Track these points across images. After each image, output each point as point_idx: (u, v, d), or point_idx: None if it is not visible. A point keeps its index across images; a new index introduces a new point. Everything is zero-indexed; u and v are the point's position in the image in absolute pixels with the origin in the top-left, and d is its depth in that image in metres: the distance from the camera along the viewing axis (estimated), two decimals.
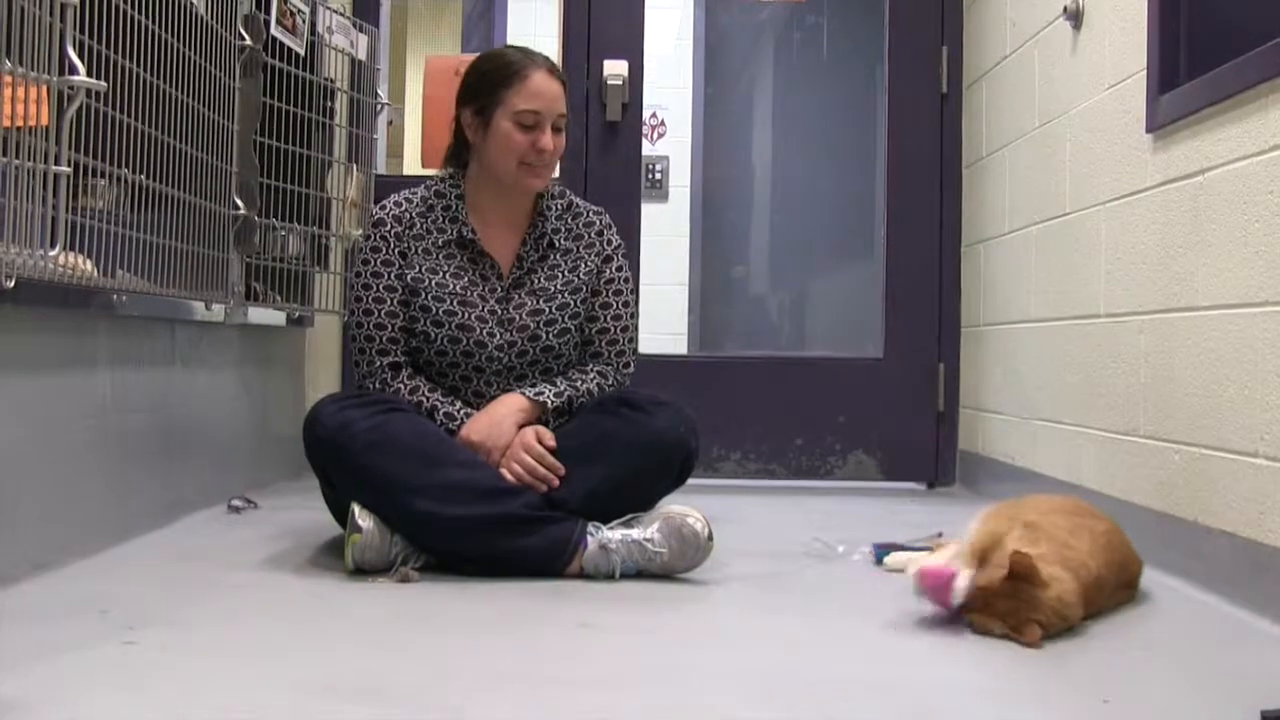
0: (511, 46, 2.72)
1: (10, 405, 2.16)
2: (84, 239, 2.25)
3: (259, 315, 3.32)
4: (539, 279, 2.61)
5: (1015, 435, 3.50)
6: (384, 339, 2.56)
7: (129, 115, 2.37)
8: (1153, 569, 2.45)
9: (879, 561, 2.53)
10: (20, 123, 1.94)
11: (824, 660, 1.83)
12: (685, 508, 2.36)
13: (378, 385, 2.55)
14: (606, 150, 4.05)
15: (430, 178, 2.72)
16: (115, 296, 2.45)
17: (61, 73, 2.03)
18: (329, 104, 3.58)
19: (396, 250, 2.59)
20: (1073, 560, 1.98)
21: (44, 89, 2.00)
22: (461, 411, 2.52)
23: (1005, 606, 1.88)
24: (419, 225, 2.60)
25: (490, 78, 2.58)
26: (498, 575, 2.30)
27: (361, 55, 3.77)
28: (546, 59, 2.62)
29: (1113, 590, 2.10)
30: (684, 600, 2.23)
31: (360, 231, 3.49)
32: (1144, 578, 2.34)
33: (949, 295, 4.04)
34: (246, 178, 3.10)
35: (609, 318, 2.65)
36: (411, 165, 5.39)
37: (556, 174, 3.92)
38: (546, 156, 2.56)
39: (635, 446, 2.44)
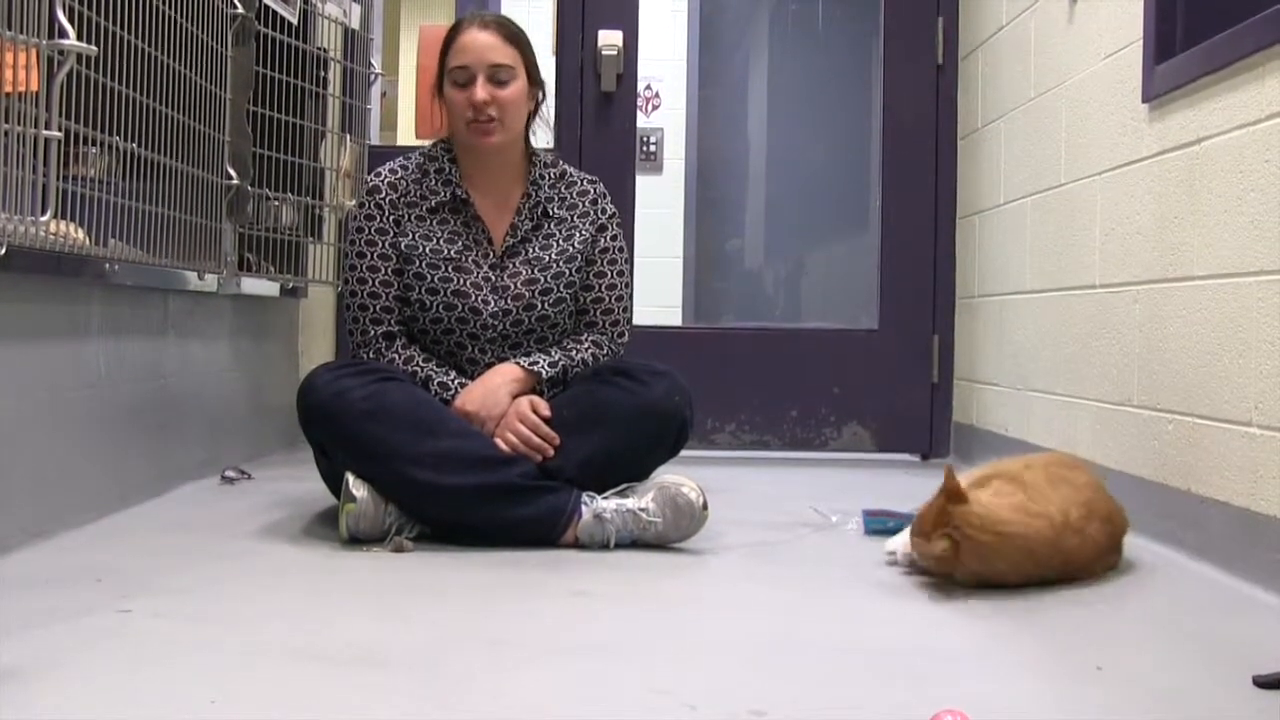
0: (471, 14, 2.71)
1: (3, 374, 2.15)
2: (75, 207, 2.24)
3: (252, 286, 3.31)
4: (534, 248, 2.61)
5: (1010, 406, 3.50)
6: (377, 308, 2.56)
7: (120, 82, 2.35)
8: (1146, 538, 2.46)
9: (868, 530, 2.54)
10: (10, 88, 1.93)
11: (819, 628, 1.84)
12: (680, 477, 2.36)
13: (372, 355, 2.55)
14: (601, 121, 4.03)
15: (420, 147, 2.71)
16: (108, 265, 2.45)
17: (51, 37, 2.01)
18: (322, 73, 3.56)
19: (390, 219, 2.58)
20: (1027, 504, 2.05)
21: (34, 54, 1.99)
22: (456, 381, 2.52)
23: (931, 522, 1.99)
24: (413, 192, 2.60)
25: (441, 47, 2.58)
26: (492, 544, 2.30)
27: (355, 24, 3.75)
28: (485, 15, 2.59)
29: (1095, 542, 2.12)
30: (678, 569, 2.23)
31: (354, 202, 3.48)
32: (1138, 547, 2.34)
33: (944, 267, 4.04)
34: (239, 147, 3.08)
35: (604, 287, 2.65)
36: (405, 136, 5.37)
37: (551, 144, 3.92)
38: (484, 109, 2.51)
39: (630, 416, 2.44)
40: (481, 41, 2.52)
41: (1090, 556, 2.11)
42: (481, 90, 2.50)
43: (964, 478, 2.20)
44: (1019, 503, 2.05)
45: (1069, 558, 2.06)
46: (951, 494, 1.99)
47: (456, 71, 2.52)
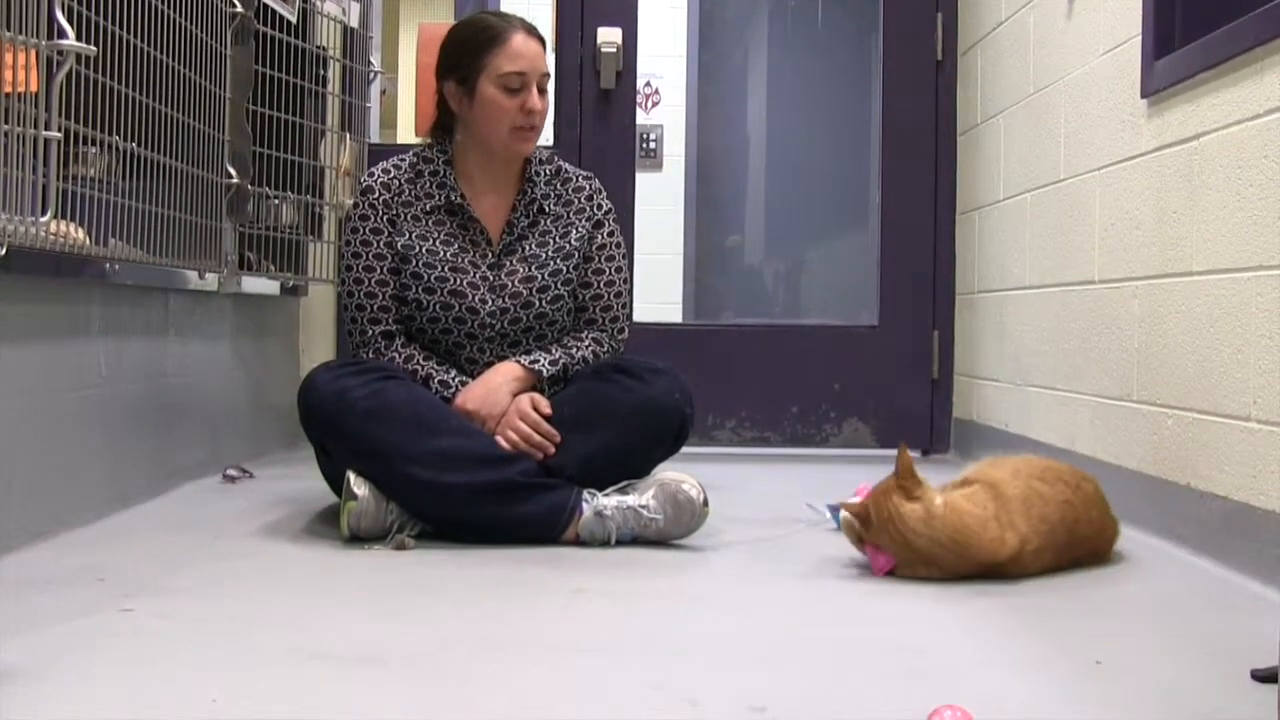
0: (486, 12, 2.71)
1: (4, 374, 2.16)
2: (76, 207, 2.24)
3: (253, 284, 3.31)
4: (530, 245, 2.61)
5: (1010, 402, 3.50)
6: (375, 308, 2.56)
7: (120, 82, 2.35)
8: (1145, 532, 2.46)
9: (840, 526, 2.53)
10: (9, 89, 1.93)
11: (819, 624, 1.84)
12: (681, 474, 2.37)
13: (371, 354, 2.55)
14: (600, 119, 4.03)
15: (418, 145, 2.71)
16: (108, 265, 2.45)
17: (50, 37, 2.02)
18: (321, 72, 3.56)
19: (385, 218, 2.58)
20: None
21: (33, 54, 1.99)
22: (456, 380, 2.52)
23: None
24: (408, 192, 2.60)
25: (469, 45, 2.56)
26: (494, 542, 2.31)
27: (354, 22, 3.75)
28: (523, 20, 2.60)
29: (1055, 551, 2.14)
30: (679, 566, 2.24)
31: (349, 202, 3.49)
32: (1136, 541, 2.35)
33: (944, 262, 4.04)
34: (239, 146, 3.09)
35: (602, 284, 2.65)
36: (405, 134, 5.37)
37: (551, 141, 3.92)
38: (535, 118, 2.55)
39: (631, 413, 2.44)
40: (534, 50, 2.55)
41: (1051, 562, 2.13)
42: (538, 99, 2.53)
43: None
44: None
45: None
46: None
47: (511, 76, 2.52)
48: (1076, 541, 2.16)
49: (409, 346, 2.57)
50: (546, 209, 2.63)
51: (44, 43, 2.00)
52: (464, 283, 2.56)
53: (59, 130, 2.06)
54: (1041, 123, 3.25)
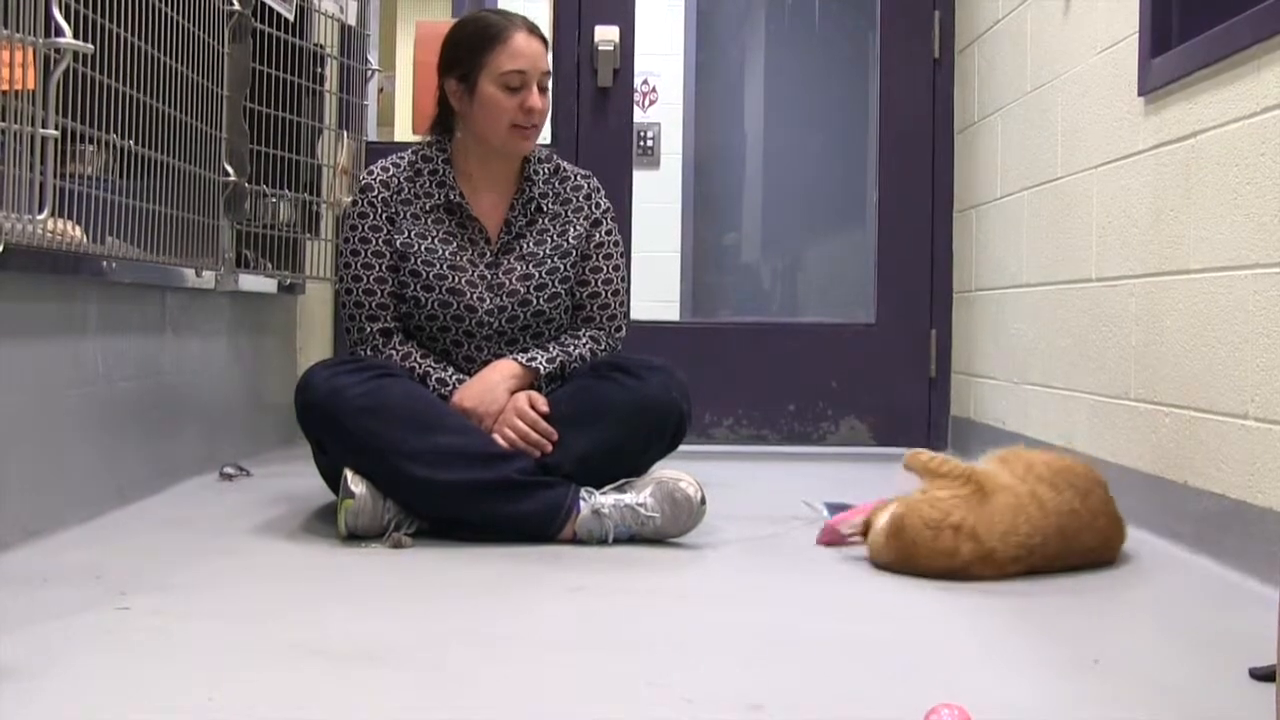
0: (487, 10, 2.71)
1: (1, 372, 2.15)
2: (72, 205, 2.24)
3: (250, 282, 3.31)
4: (528, 244, 2.61)
5: (1007, 400, 3.51)
6: (373, 305, 2.56)
7: (117, 80, 2.35)
8: (1143, 530, 2.46)
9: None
10: (6, 87, 1.93)
11: (816, 622, 1.84)
12: (678, 472, 2.37)
13: (369, 352, 2.55)
14: (598, 117, 4.03)
15: (416, 143, 2.71)
16: (105, 263, 2.45)
17: (47, 35, 2.01)
18: (319, 70, 3.56)
19: (384, 216, 2.58)
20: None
21: (30, 52, 1.99)
22: (454, 377, 2.52)
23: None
24: (407, 190, 2.60)
25: (470, 43, 2.56)
26: (491, 540, 2.31)
27: (351, 20, 3.75)
28: (524, 19, 2.61)
29: (1046, 559, 2.13)
30: (676, 564, 2.24)
31: (348, 199, 3.48)
32: (1134, 539, 2.35)
33: (941, 261, 4.04)
34: (237, 144, 3.08)
35: (599, 282, 2.65)
36: (403, 132, 5.36)
37: (548, 139, 3.92)
38: (535, 116, 2.55)
39: (628, 411, 2.44)
40: (535, 49, 2.56)
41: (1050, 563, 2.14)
42: (538, 98, 2.53)
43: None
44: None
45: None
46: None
47: (512, 75, 2.52)
48: (1075, 552, 2.14)
49: (407, 344, 2.57)
50: (545, 207, 2.63)
51: (41, 40, 2.00)
52: (462, 281, 2.56)
53: (56, 128, 2.05)
54: (1039, 121, 3.25)
